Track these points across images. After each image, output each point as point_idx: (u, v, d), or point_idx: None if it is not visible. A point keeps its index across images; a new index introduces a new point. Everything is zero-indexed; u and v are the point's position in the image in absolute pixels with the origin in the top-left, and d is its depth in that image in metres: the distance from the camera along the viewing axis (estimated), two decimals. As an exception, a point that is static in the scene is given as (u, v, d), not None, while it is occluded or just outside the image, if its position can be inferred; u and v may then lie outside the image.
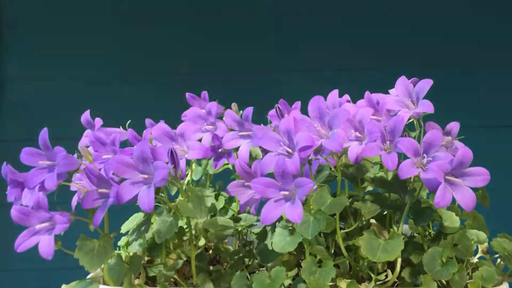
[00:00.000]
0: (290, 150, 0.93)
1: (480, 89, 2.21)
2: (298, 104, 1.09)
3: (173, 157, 0.94)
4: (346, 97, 1.04)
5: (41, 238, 0.92)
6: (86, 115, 1.10)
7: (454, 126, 1.05)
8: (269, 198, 0.91)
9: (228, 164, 1.19)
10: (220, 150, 1.07)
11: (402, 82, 1.01)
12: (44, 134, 0.96)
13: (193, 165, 1.10)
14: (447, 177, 0.90)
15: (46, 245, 0.90)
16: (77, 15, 2.22)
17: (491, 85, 2.21)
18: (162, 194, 1.01)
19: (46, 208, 0.92)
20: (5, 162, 0.97)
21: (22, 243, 0.93)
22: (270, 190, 0.91)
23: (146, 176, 0.91)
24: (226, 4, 2.23)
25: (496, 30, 2.22)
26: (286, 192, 0.90)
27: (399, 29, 2.23)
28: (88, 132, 1.11)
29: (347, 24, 2.23)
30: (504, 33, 2.22)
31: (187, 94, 1.15)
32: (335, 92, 0.99)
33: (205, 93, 1.14)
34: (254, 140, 0.99)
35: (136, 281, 1.03)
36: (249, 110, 1.02)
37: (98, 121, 1.08)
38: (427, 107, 0.97)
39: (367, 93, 1.02)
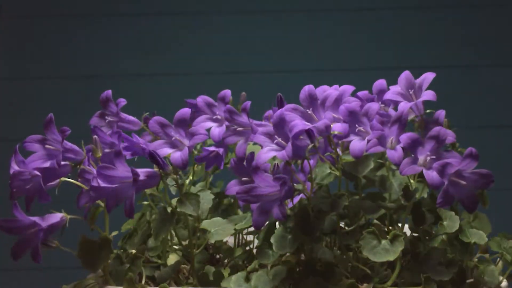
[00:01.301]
0: (284, 143, 0.92)
1: (480, 89, 2.21)
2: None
3: (153, 158, 0.93)
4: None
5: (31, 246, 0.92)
6: (107, 93, 1.07)
7: (440, 113, 1.05)
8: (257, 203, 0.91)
9: (227, 164, 1.19)
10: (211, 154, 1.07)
11: (405, 76, 1.01)
12: (49, 118, 0.96)
13: (195, 166, 1.10)
14: (452, 178, 0.89)
15: (35, 253, 0.91)
16: (77, 15, 2.22)
17: (491, 85, 2.21)
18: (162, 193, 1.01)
19: (24, 215, 0.92)
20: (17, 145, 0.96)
21: (16, 252, 0.93)
22: (251, 198, 0.91)
23: (126, 182, 0.91)
24: (226, 2, 2.23)
25: (496, 29, 2.22)
26: (267, 193, 0.90)
27: (399, 29, 2.23)
28: (101, 112, 1.09)
29: (347, 23, 2.23)
30: (504, 33, 2.22)
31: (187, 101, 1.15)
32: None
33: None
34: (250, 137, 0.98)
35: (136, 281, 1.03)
36: (247, 104, 1.01)
37: (122, 101, 1.06)
38: (429, 95, 0.97)
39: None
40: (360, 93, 1.02)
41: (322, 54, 2.22)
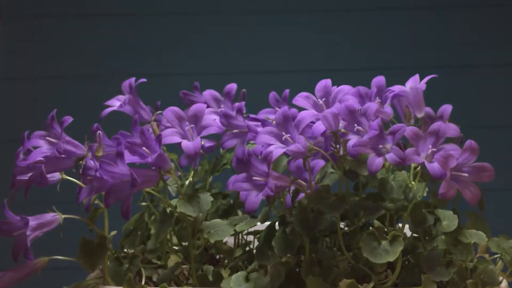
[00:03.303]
0: (291, 141, 0.93)
1: (480, 89, 2.21)
2: (287, 91, 1.09)
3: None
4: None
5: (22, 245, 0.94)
6: (131, 81, 1.11)
7: (446, 108, 1.06)
8: (249, 191, 0.93)
9: (227, 164, 1.18)
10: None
11: (413, 78, 1.05)
12: (52, 115, 0.98)
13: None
14: (453, 172, 0.90)
15: (26, 251, 0.93)
16: (77, 15, 2.22)
17: (491, 85, 2.21)
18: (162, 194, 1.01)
19: (12, 215, 0.94)
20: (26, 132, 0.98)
21: (14, 253, 0.95)
22: (245, 184, 0.93)
23: (125, 180, 0.92)
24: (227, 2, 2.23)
25: (497, 29, 2.22)
26: (258, 178, 0.92)
27: (399, 29, 2.23)
28: (122, 97, 1.12)
29: (346, 23, 2.23)
30: (504, 32, 2.22)
31: (181, 92, 1.16)
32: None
33: (196, 84, 1.15)
34: (249, 137, 0.99)
35: (136, 281, 1.03)
36: (241, 105, 1.02)
37: (140, 80, 1.08)
38: (420, 86, 1.02)
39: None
40: (359, 89, 1.03)
41: (322, 54, 2.22)
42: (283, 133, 0.94)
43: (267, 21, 2.23)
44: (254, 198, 0.92)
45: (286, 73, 2.20)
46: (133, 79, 1.11)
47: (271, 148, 0.93)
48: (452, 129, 0.98)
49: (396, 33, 2.22)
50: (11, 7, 2.20)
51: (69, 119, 0.97)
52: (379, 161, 0.91)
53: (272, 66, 2.21)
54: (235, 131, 1.02)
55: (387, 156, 0.92)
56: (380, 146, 0.93)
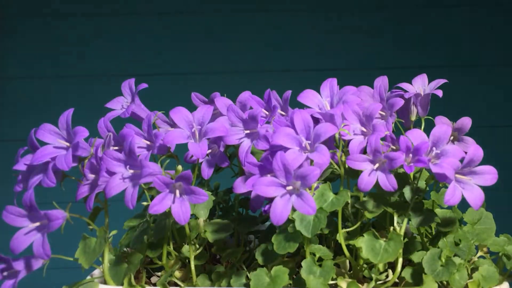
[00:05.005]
0: (308, 148, 0.92)
1: (480, 88, 2.21)
2: (288, 92, 1.08)
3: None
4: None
5: (35, 238, 0.92)
6: (130, 82, 1.10)
7: (465, 122, 1.06)
8: (273, 197, 0.88)
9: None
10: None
11: (421, 77, 1.07)
12: (68, 114, 0.96)
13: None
14: (457, 176, 0.90)
15: (40, 245, 0.91)
16: (77, 15, 2.22)
17: (491, 85, 2.21)
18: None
19: (35, 206, 0.92)
20: (33, 130, 0.97)
21: (17, 245, 0.93)
22: (272, 189, 0.89)
23: (134, 171, 0.92)
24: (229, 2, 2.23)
25: (496, 29, 2.22)
26: (290, 187, 0.88)
27: (399, 28, 2.23)
28: (122, 99, 1.11)
29: (345, 23, 2.23)
30: (504, 32, 2.23)
31: (192, 94, 1.15)
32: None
33: (214, 95, 1.13)
34: (259, 141, 0.97)
35: (136, 281, 1.03)
36: (258, 110, 1.00)
37: (142, 85, 1.08)
38: (436, 92, 1.03)
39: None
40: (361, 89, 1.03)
41: (322, 54, 2.22)
42: (303, 138, 0.92)
43: (267, 21, 2.23)
44: (282, 208, 0.87)
45: (287, 72, 2.21)
46: (132, 80, 1.10)
47: (292, 155, 0.89)
48: (477, 155, 0.96)
49: (396, 33, 2.23)
50: (11, 6, 2.20)
51: (85, 133, 0.94)
52: (369, 180, 0.91)
53: (272, 65, 2.22)
54: (246, 131, 1.01)
55: (379, 177, 0.91)
56: (376, 162, 0.92)
